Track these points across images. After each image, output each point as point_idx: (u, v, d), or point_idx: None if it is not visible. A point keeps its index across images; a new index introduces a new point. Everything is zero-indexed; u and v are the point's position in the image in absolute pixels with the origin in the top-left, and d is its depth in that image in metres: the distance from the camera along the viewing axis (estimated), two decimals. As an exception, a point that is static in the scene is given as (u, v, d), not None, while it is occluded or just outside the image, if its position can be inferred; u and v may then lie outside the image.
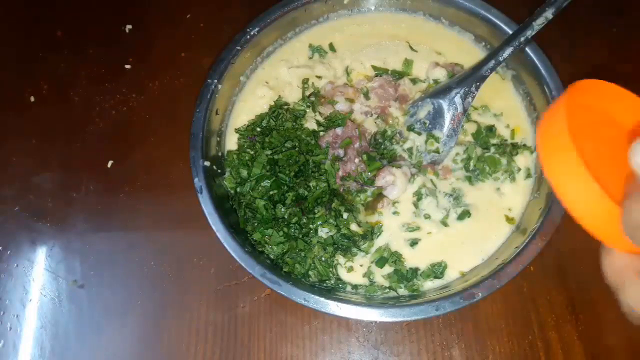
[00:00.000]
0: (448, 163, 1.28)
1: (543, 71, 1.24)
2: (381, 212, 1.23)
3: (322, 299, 1.07)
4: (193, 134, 1.22)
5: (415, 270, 1.18)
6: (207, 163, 1.20)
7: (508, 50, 1.21)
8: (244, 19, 1.33)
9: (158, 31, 1.55)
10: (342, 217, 1.19)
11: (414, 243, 1.20)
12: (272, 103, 1.33)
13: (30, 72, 1.52)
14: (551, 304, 1.23)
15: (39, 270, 1.32)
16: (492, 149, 1.27)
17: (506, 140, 1.30)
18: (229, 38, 1.31)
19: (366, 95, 1.33)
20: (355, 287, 1.18)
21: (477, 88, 1.24)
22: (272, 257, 1.16)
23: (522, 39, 1.20)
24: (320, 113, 1.31)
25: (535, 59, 1.25)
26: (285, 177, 1.18)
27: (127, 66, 1.51)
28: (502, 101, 1.34)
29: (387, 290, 1.17)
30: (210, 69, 1.27)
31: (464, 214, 1.22)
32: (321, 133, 1.27)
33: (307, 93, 1.35)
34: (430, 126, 1.28)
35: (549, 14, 1.17)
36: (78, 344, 1.25)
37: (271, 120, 1.28)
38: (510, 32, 1.27)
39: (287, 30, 1.40)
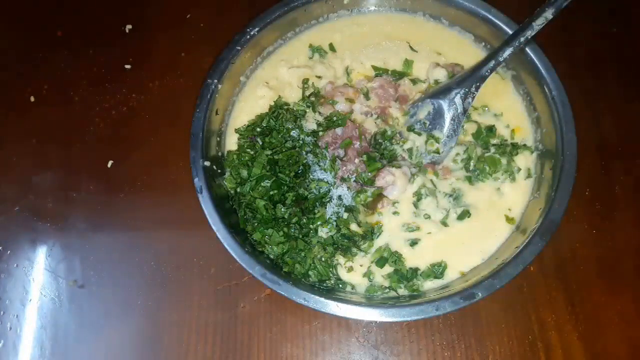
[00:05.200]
0: (448, 163, 1.28)
1: (543, 71, 1.24)
2: (381, 212, 1.23)
3: (322, 299, 1.07)
4: (193, 134, 1.22)
5: (415, 270, 1.18)
6: (207, 163, 1.20)
7: (508, 51, 1.21)
8: (244, 19, 1.33)
9: (158, 31, 1.55)
10: (342, 217, 1.19)
11: (414, 243, 1.20)
12: (272, 103, 1.33)
13: (30, 72, 1.52)
14: (551, 304, 1.23)
15: (39, 270, 1.32)
16: (492, 149, 1.27)
17: (506, 140, 1.30)
18: (229, 38, 1.31)
19: (366, 96, 1.33)
20: (355, 287, 1.18)
21: (477, 88, 1.24)
22: (272, 257, 1.16)
23: (522, 39, 1.20)
24: (320, 113, 1.31)
25: (535, 59, 1.25)
26: (285, 177, 1.18)
27: (127, 66, 1.51)
28: (502, 101, 1.34)
29: (387, 290, 1.17)
30: (210, 69, 1.27)
31: (464, 214, 1.22)
32: (321, 133, 1.27)
33: (307, 93, 1.35)
34: (430, 127, 1.28)
35: (549, 14, 1.17)
36: (78, 344, 1.25)
37: (271, 120, 1.28)
38: (510, 32, 1.27)
39: (287, 30, 1.40)
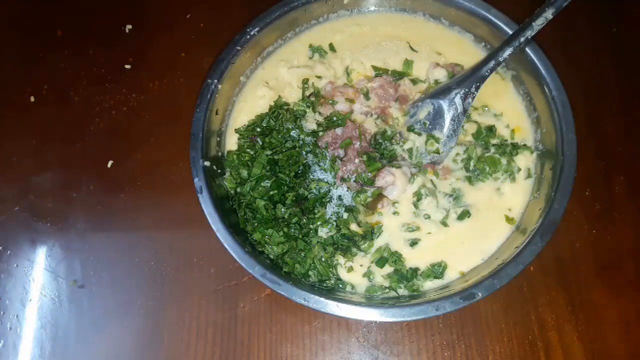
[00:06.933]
0: (448, 163, 1.28)
1: (543, 71, 1.24)
2: (381, 212, 1.23)
3: (322, 299, 1.07)
4: (193, 134, 1.22)
5: (415, 270, 1.18)
6: (207, 163, 1.20)
7: (508, 51, 1.21)
8: (244, 19, 1.33)
9: (158, 31, 1.55)
10: (342, 217, 1.19)
11: (414, 243, 1.20)
12: (272, 103, 1.33)
13: (30, 72, 1.52)
14: (551, 304, 1.23)
15: (39, 270, 1.32)
16: (492, 149, 1.27)
17: (506, 140, 1.30)
18: (229, 38, 1.31)
19: (366, 96, 1.33)
20: (355, 287, 1.18)
21: (477, 88, 1.24)
22: (272, 257, 1.16)
23: (522, 39, 1.20)
24: (320, 113, 1.31)
25: (535, 59, 1.25)
26: (285, 177, 1.18)
27: (127, 66, 1.51)
28: (502, 101, 1.34)
29: (387, 290, 1.17)
30: (210, 69, 1.27)
31: (464, 214, 1.22)
32: (321, 133, 1.27)
33: (307, 93, 1.35)
34: (430, 127, 1.28)
35: (549, 14, 1.18)
36: (78, 344, 1.25)
37: (271, 120, 1.28)
38: (510, 32, 1.27)
39: (287, 30, 1.40)
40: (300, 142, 1.25)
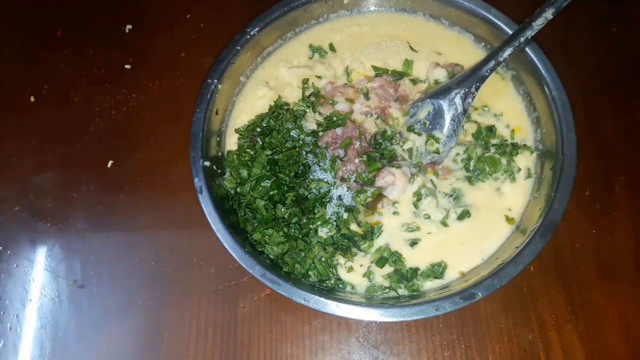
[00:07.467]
0: (448, 163, 1.28)
1: (543, 71, 1.24)
2: (381, 212, 1.23)
3: (322, 299, 1.07)
4: (193, 134, 1.22)
5: (415, 270, 1.18)
6: (207, 163, 1.20)
7: (508, 51, 1.21)
8: (244, 19, 1.33)
9: (158, 31, 1.55)
10: (342, 217, 1.19)
11: (414, 243, 1.20)
12: (272, 103, 1.33)
13: (30, 72, 1.52)
14: (551, 304, 1.23)
15: (39, 270, 1.32)
16: (492, 149, 1.27)
17: (506, 140, 1.30)
18: (229, 38, 1.31)
19: (366, 96, 1.33)
20: (355, 287, 1.18)
21: (477, 88, 1.24)
22: (272, 257, 1.16)
23: (522, 39, 1.20)
24: (320, 113, 1.31)
25: (535, 59, 1.25)
26: (285, 177, 1.18)
27: (127, 66, 1.51)
28: (502, 101, 1.34)
29: (387, 290, 1.17)
30: (210, 69, 1.27)
31: (464, 214, 1.22)
32: (321, 133, 1.27)
33: (307, 93, 1.35)
34: (430, 127, 1.28)
35: (549, 14, 1.18)
36: (78, 344, 1.25)
37: (271, 121, 1.28)
38: (510, 32, 1.27)
39: (287, 30, 1.40)
40: (300, 142, 1.25)
